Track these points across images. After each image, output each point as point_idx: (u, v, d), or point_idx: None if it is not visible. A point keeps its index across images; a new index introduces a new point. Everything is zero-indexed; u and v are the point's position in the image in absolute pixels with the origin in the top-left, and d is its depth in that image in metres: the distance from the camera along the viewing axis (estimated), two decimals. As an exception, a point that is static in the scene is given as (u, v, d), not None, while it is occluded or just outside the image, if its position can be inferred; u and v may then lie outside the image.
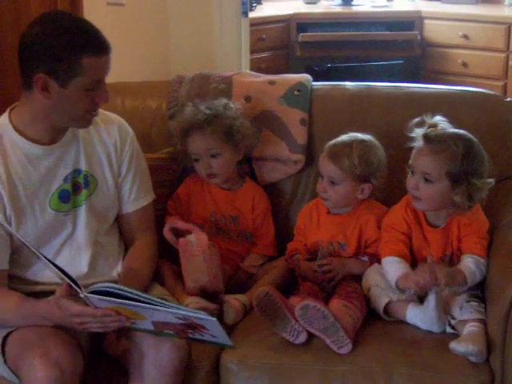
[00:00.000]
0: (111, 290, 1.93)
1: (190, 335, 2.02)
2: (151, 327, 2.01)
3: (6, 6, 2.84)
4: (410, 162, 2.38)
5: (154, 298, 1.93)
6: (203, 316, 1.91)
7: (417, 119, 2.41)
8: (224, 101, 2.68)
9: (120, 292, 1.92)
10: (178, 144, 2.68)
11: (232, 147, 2.63)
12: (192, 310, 1.98)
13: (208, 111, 2.61)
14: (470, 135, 2.35)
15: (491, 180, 2.34)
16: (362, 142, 2.48)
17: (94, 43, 2.10)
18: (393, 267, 2.34)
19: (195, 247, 2.44)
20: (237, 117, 2.63)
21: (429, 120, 2.39)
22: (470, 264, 2.31)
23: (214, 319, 1.91)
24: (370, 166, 2.46)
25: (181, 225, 2.52)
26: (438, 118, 2.40)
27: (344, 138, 2.51)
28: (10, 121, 2.22)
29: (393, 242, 2.41)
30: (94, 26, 2.15)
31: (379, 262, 2.44)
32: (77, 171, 2.28)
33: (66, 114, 2.17)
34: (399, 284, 2.30)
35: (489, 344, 2.17)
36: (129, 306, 1.93)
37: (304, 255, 2.56)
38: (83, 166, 2.29)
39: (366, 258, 2.49)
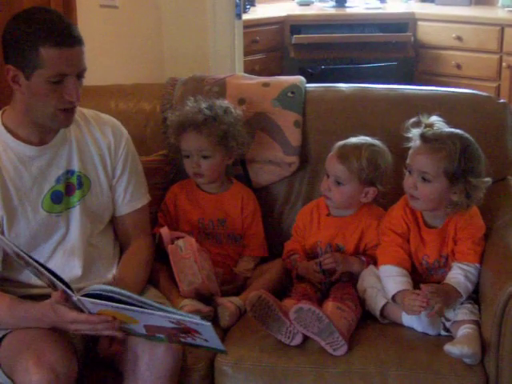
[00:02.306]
0: (104, 293, 1.92)
1: (182, 339, 2.01)
2: (143, 331, 2.00)
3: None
4: (408, 161, 2.38)
5: (148, 301, 1.92)
6: (198, 321, 1.90)
7: (413, 119, 2.41)
8: (226, 104, 2.67)
9: (113, 295, 1.91)
10: (172, 137, 2.68)
11: (224, 152, 2.63)
12: (186, 314, 1.97)
13: (208, 112, 2.61)
14: (466, 134, 2.35)
15: (488, 179, 2.35)
16: (372, 145, 2.49)
17: (53, 34, 2.06)
18: (391, 281, 2.33)
19: (184, 251, 2.45)
20: (235, 123, 2.63)
21: (425, 120, 2.39)
22: (459, 277, 2.31)
23: (209, 324, 1.89)
24: (377, 169, 2.47)
25: (171, 234, 2.54)
26: (434, 118, 2.40)
27: (354, 140, 2.52)
28: (2, 122, 2.22)
29: (392, 246, 2.40)
30: (65, 19, 2.12)
31: (375, 263, 2.44)
32: (70, 172, 2.28)
33: (38, 111, 2.15)
34: (396, 300, 2.30)
35: (483, 345, 2.17)
36: (122, 310, 1.92)
37: (302, 256, 2.56)
38: (76, 167, 2.29)
39: (364, 259, 2.49)
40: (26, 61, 2.07)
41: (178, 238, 2.51)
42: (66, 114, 2.17)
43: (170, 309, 1.95)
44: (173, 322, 1.92)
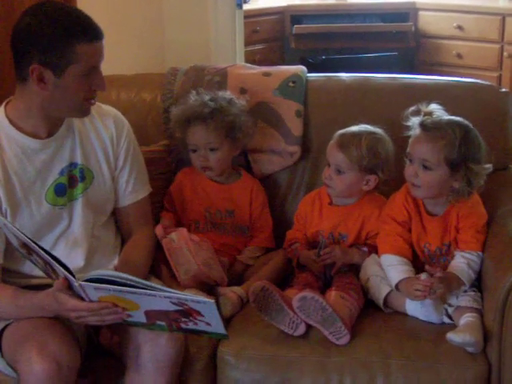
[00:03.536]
0: (106, 277, 1.92)
1: (183, 325, 2.00)
2: (143, 319, 2.00)
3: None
4: (408, 150, 2.38)
5: (150, 283, 1.92)
6: (200, 299, 1.90)
7: (412, 108, 2.41)
8: (229, 95, 2.66)
9: (115, 279, 1.91)
10: (176, 132, 2.68)
11: (231, 143, 2.62)
12: (188, 294, 1.97)
13: (213, 104, 2.60)
14: (466, 121, 2.36)
15: (489, 165, 2.35)
16: (372, 133, 2.49)
17: (86, 29, 2.09)
18: (393, 269, 2.34)
19: (177, 242, 2.46)
20: (240, 114, 2.62)
21: (424, 108, 2.40)
22: (462, 265, 2.31)
23: (212, 301, 1.89)
24: (378, 157, 2.47)
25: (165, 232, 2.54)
26: (433, 106, 2.41)
27: (354, 128, 2.52)
28: (6, 115, 2.21)
29: (391, 235, 2.40)
30: (85, 13, 2.14)
31: (377, 252, 2.44)
32: (73, 164, 2.28)
33: (65, 104, 2.16)
34: (400, 288, 2.30)
35: (485, 334, 2.18)
36: (123, 294, 1.92)
37: (303, 244, 2.56)
38: (79, 160, 2.29)
39: (365, 249, 2.50)
40: (58, 58, 2.07)
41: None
42: (90, 103, 2.20)
43: (172, 290, 1.95)
44: (175, 304, 1.92)
